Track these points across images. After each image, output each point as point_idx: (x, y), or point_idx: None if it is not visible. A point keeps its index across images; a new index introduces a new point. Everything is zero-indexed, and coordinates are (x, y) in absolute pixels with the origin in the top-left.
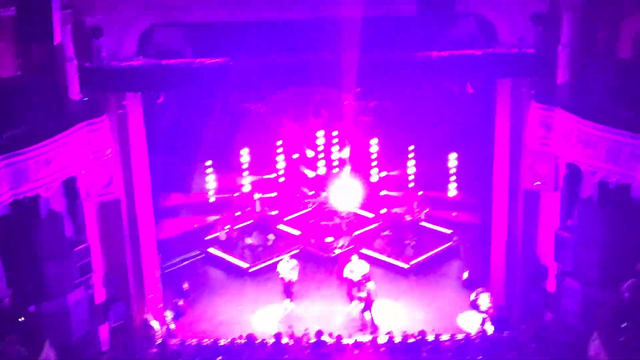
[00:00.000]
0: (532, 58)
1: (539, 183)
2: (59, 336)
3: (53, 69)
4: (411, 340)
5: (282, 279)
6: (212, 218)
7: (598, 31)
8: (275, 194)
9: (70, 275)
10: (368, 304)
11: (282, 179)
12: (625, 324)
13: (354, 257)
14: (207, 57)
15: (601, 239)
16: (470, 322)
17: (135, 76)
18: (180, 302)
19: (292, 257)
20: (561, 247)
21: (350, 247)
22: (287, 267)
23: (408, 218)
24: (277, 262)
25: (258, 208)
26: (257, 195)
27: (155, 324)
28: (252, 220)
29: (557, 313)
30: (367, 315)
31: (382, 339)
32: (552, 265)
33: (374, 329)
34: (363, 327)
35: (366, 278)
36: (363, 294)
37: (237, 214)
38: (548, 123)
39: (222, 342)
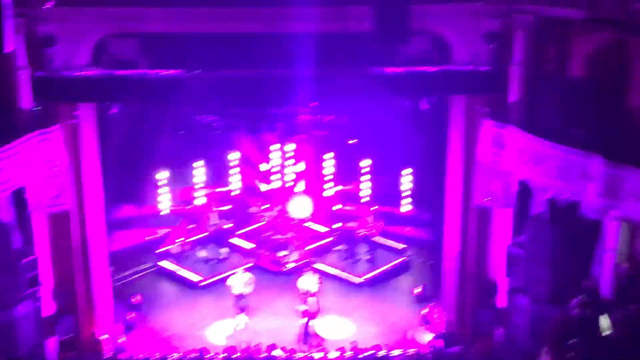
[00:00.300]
0: (485, 76)
1: (491, 199)
2: (5, 349)
3: (4, 77)
4: (363, 355)
5: (234, 293)
6: (164, 231)
7: (549, 50)
8: (229, 206)
9: (17, 287)
10: (310, 317)
11: (236, 192)
12: (573, 340)
13: (308, 272)
14: (162, 69)
15: (551, 255)
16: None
17: (88, 86)
18: (131, 316)
19: (245, 270)
20: (512, 264)
21: (303, 261)
22: (240, 281)
23: (362, 233)
24: (230, 275)
25: (212, 221)
26: (214, 208)
27: (104, 338)
28: (205, 234)
29: (508, 329)
30: (310, 328)
31: (333, 354)
32: (503, 281)
33: (318, 342)
34: (305, 341)
35: (307, 293)
36: (303, 307)
37: (190, 226)
38: (500, 140)
39: (174, 356)
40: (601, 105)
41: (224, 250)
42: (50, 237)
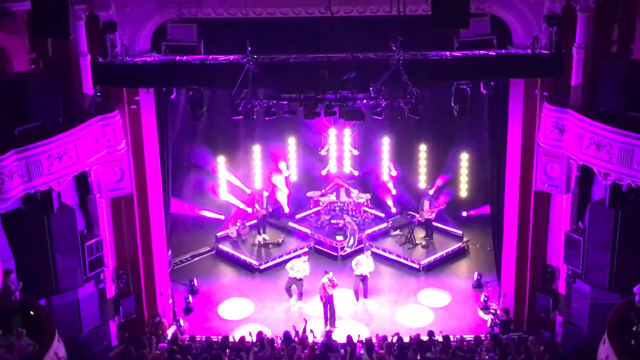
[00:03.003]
0: (545, 59)
1: (550, 184)
2: (69, 330)
3: (66, 63)
4: (420, 339)
5: (290, 277)
6: (223, 215)
7: (612, 32)
8: (287, 191)
9: (81, 269)
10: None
11: (293, 177)
12: (635, 328)
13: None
14: (221, 54)
15: (612, 241)
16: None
17: (148, 72)
18: (190, 299)
19: (302, 254)
20: (571, 249)
21: (360, 246)
22: (297, 266)
23: (419, 217)
24: (288, 260)
25: (268, 205)
26: (265, 193)
27: (164, 320)
28: (262, 218)
29: (567, 315)
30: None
31: (390, 338)
32: (562, 267)
33: (332, 322)
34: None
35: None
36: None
37: (249, 210)
38: (561, 125)
39: (231, 339)
40: None
41: (281, 235)
42: (113, 221)
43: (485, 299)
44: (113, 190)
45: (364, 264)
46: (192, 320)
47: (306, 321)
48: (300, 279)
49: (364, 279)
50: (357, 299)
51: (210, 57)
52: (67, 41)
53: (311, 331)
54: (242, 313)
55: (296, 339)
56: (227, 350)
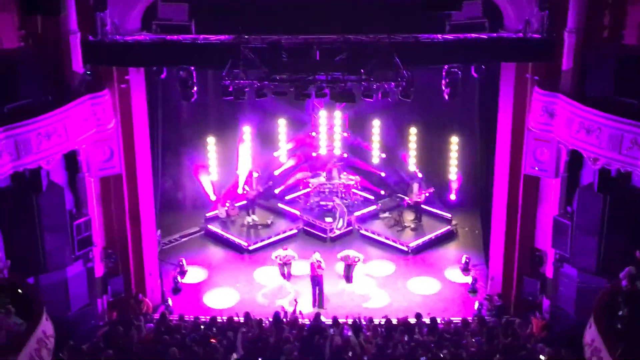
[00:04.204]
0: (537, 43)
1: (540, 169)
2: (57, 308)
3: (56, 41)
4: (408, 321)
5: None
6: (212, 195)
7: (604, 17)
8: (277, 172)
9: (69, 248)
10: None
11: (283, 158)
12: (621, 312)
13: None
14: (212, 34)
15: (600, 226)
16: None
17: (138, 51)
18: (179, 279)
19: (291, 236)
20: (560, 234)
21: (348, 228)
22: (284, 254)
23: (408, 200)
24: (276, 241)
25: (258, 186)
26: (255, 174)
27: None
28: (252, 198)
29: (554, 299)
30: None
31: (377, 321)
32: (550, 251)
33: (321, 303)
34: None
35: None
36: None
37: (238, 191)
38: (551, 109)
39: (219, 319)
40: None
41: (271, 216)
42: (102, 200)
43: (473, 282)
44: (102, 170)
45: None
46: (180, 300)
47: (296, 302)
48: (289, 262)
49: (350, 265)
50: (347, 280)
51: (201, 36)
52: (57, 19)
53: (300, 312)
54: (230, 293)
55: (285, 319)
56: (215, 330)
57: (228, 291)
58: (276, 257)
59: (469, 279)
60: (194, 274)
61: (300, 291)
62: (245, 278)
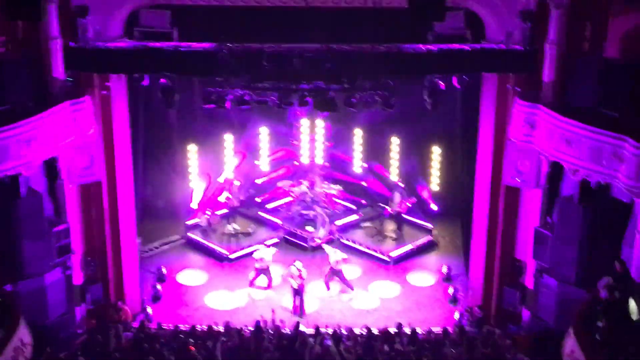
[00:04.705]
0: (518, 55)
1: (520, 179)
2: (35, 316)
3: (37, 47)
4: (388, 331)
5: (257, 267)
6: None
7: (585, 30)
8: (258, 181)
9: (48, 255)
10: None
11: (264, 167)
12: (600, 323)
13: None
14: (194, 42)
15: (580, 237)
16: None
17: (120, 57)
18: (159, 287)
19: (271, 245)
20: (540, 244)
21: (330, 237)
22: (265, 255)
23: (390, 210)
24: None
25: (239, 195)
26: (237, 183)
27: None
28: (233, 207)
29: (534, 309)
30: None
31: (357, 331)
32: (530, 261)
33: (302, 312)
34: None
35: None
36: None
37: (219, 198)
38: (532, 120)
39: (199, 328)
40: (635, 87)
41: (251, 225)
42: (81, 207)
43: (454, 292)
44: (82, 177)
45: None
46: (159, 308)
47: (274, 311)
48: (267, 268)
49: (338, 272)
50: (328, 288)
51: (184, 44)
52: (38, 24)
53: (281, 321)
54: (210, 302)
55: (268, 329)
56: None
57: (208, 299)
58: (289, 272)
59: (449, 289)
60: (174, 282)
61: (279, 299)
62: (227, 286)
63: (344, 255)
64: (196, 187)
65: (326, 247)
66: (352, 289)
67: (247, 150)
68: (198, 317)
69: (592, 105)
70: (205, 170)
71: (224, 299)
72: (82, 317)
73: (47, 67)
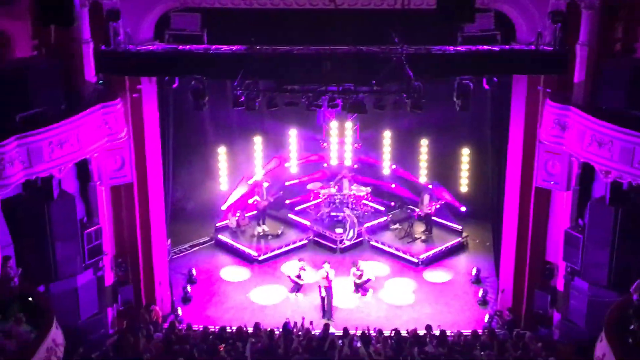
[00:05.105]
0: (549, 56)
1: (551, 181)
2: (67, 317)
3: (69, 50)
4: (417, 333)
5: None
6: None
7: (616, 31)
8: (288, 183)
9: (80, 256)
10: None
11: (294, 168)
12: (633, 326)
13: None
14: (224, 44)
15: (611, 239)
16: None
17: (150, 61)
18: (189, 288)
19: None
20: (571, 247)
21: (359, 239)
22: (294, 268)
23: (419, 212)
24: (286, 251)
25: (268, 196)
26: (265, 184)
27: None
28: (263, 208)
29: (565, 312)
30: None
31: (387, 333)
32: (561, 264)
33: (330, 314)
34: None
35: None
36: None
37: (249, 201)
38: (563, 122)
39: (228, 329)
40: None
41: (281, 226)
42: (112, 209)
43: (484, 294)
44: (113, 178)
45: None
46: (190, 309)
47: (303, 318)
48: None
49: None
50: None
51: (213, 47)
52: (70, 28)
53: (310, 323)
54: (240, 303)
55: (295, 330)
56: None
57: (238, 300)
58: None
59: (479, 292)
60: (203, 284)
61: (308, 301)
62: (256, 289)
63: (372, 277)
64: (232, 190)
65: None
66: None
67: (283, 155)
68: (227, 319)
69: (623, 107)
70: (237, 172)
71: (253, 300)
72: (113, 317)
73: (79, 70)
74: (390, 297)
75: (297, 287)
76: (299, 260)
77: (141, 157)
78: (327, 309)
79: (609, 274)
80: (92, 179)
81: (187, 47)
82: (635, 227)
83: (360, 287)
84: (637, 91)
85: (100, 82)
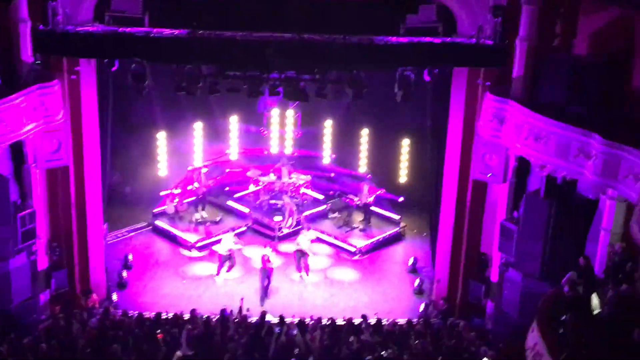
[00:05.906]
0: (489, 49)
1: (488, 174)
2: None
3: (5, 29)
4: (353, 322)
5: (222, 253)
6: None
7: (556, 26)
8: (227, 170)
9: (13, 240)
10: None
11: (234, 156)
12: (563, 317)
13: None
14: (165, 28)
15: (545, 232)
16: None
17: (90, 42)
18: (124, 274)
19: (238, 234)
20: (505, 238)
21: (297, 227)
22: (229, 241)
23: (357, 201)
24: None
25: (206, 183)
26: (204, 170)
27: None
28: (200, 195)
29: (498, 303)
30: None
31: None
32: (495, 255)
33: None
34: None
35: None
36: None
37: (189, 187)
38: (501, 116)
39: (164, 316)
40: (604, 84)
41: (219, 213)
42: (47, 192)
43: (420, 283)
44: (50, 161)
45: (302, 241)
46: (125, 295)
47: (242, 299)
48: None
49: (303, 254)
50: (299, 271)
51: (155, 30)
52: (7, 7)
53: (247, 310)
54: (176, 289)
55: (234, 318)
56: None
57: (174, 286)
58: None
59: (415, 281)
60: (139, 269)
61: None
62: (193, 275)
63: (314, 235)
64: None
65: (301, 237)
66: (307, 273)
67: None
68: (164, 305)
69: (561, 101)
70: (176, 158)
71: (190, 287)
72: (45, 302)
73: (16, 50)
74: (328, 285)
75: (229, 263)
76: (264, 247)
77: (78, 140)
78: (264, 291)
79: (542, 265)
80: (27, 161)
81: (128, 29)
82: (568, 221)
83: (303, 259)
84: (575, 86)
85: (38, 62)
